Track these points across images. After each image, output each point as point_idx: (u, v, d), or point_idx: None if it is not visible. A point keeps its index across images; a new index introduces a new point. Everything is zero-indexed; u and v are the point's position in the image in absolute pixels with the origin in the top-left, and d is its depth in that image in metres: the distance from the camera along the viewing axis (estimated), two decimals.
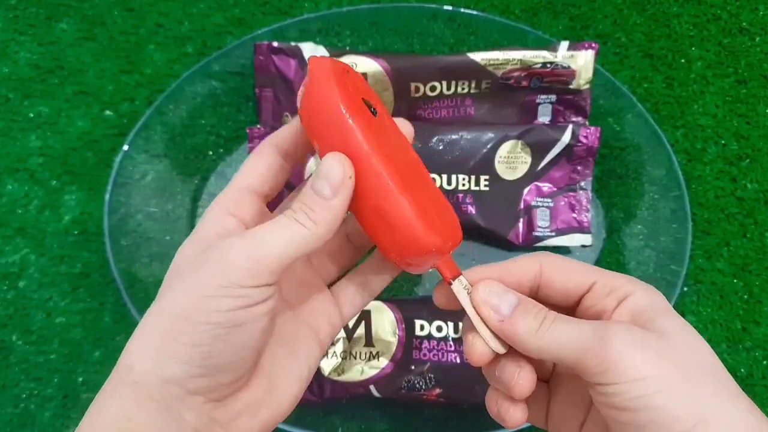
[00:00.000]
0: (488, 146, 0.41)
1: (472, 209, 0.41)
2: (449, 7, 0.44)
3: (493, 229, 0.42)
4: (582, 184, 0.43)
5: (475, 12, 0.45)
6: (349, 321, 0.31)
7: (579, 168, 0.42)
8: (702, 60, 0.48)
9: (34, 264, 0.43)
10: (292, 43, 0.41)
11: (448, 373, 0.36)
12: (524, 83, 0.42)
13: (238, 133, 0.45)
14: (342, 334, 0.37)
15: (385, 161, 0.23)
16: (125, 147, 0.41)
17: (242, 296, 0.23)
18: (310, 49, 0.41)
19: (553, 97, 0.43)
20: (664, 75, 0.48)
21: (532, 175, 0.42)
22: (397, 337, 0.37)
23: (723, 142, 0.46)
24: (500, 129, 0.41)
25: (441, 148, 0.40)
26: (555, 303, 0.28)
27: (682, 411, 0.22)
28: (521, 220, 0.42)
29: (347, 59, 0.41)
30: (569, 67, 0.41)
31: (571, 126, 0.41)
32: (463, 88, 0.42)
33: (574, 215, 0.43)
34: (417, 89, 0.41)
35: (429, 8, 0.44)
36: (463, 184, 0.41)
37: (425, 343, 0.37)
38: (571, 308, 0.28)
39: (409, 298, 0.41)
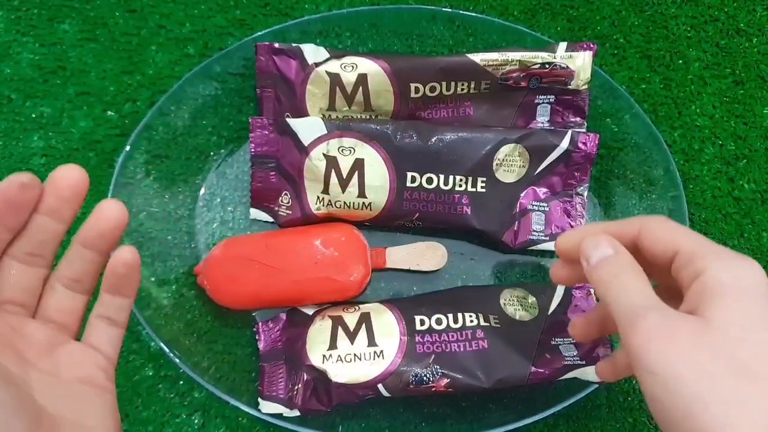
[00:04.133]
0: (487, 148, 0.41)
1: (467, 210, 0.41)
2: (448, 9, 0.45)
3: (488, 230, 0.42)
4: (578, 190, 0.43)
5: (474, 14, 0.45)
6: (116, 357, 0.27)
7: (576, 174, 0.42)
8: (699, 61, 0.48)
9: None
10: (293, 44, 0.42)
11: (453, 362, 0.36)
12: (523, 84, 0.42)
13: (239, 133, 0.45)
14: (344, 337, 0.37)
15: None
16: (127, 147, 0.41)
17: None
18: (311, 50, 0.42)
19: (552, 98, 0.43)
20: (661, 76, 0.48)
21: (529, 179, 0.42)
22: (398, 334, 0.37)
23: (720, 142, 0.47)
24: (499, 132, 0.41)
25: (440, 148, 0.40)
26: (652, 263, 0.28)
27: (684, 408, 0.21)
28: (516, 223, 0.42)
29: (348, 60, 0.41)
30: (567, 67, 0.42)
31: (570, 132, 0.41)
32: (462, 89, 0.42)
33: (569, 220, 0.43)
34: (417, 90, 0.42)
35: (428, 10, 0.45)
36: (460, 185, 0.41)
37: (427, 337, 0.37)
38: (667, 274, 0.28)
39: (405, 298, 0.41)
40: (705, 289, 0.24)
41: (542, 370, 0.36)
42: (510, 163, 0.41)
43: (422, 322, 0.38)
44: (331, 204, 0.41)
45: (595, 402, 0.40)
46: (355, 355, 0.36)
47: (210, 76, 0.44)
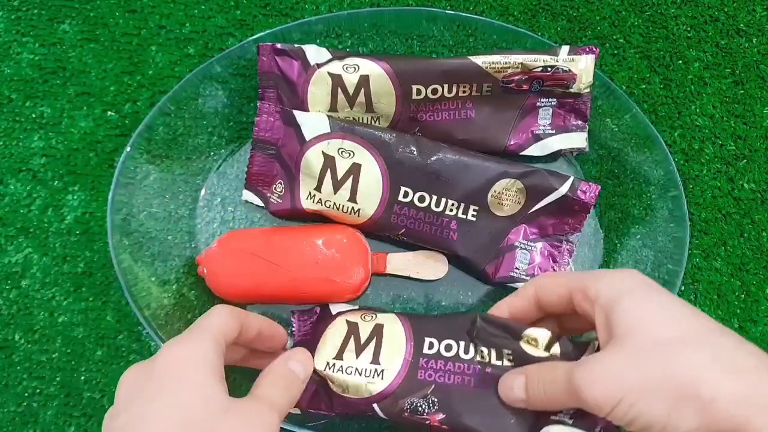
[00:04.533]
0: (485, 178, 0.40)
1: (454, 235, 0.41)
2: (450, 11, 0.45)
3: (471, 258, 0.41)
4: (569, 237, 0.42)
5: (475, 16, 0.45)
6: None
7: (570, 221, 0.41)
8: (699, 61, 0.48)
9: (37, 263, 0.43)
10: (295, 45, 0.42)
11: (452, 397, 0.34)
12: (525, 86, 0.42)
13: (239, 133, 0.45)
14: (352, 350, 0.36)
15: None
16: (128, 148, 0.41)
17: None
18: (313, 51, 0.42)
19: (554, 101, 0.43)
20: (661, 76, 0.48)
21: (522, 217, 0.41)
22: (404, 353, 0.36)
23: (720, 142, 0.47)
24: (501, 164, 0.41)
25: (438, 168, 0.40)
26: (559, 315, 0.33)
27: (657, 408, 0.25)
28: (501, 257, 0.42)
29: (349, 61, 0.41)
30: (570, 70, 0.41)
31: (572, 178, 0.40)
32: (464, 91, 0.42)
33: (554, 265, 0.42)
34: (419, 92, 0.42)
35: (429, 11, 0.45)
36: (451, 210, 0.40)
37: (431, 363, 0.35)
38: (573, 314, 0.32)
39: (423, 315, 0.40)
40: (608, 309, 0.28)
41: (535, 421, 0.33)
42: (506, 197, 0.41)
43: (431, 345, 0.36)
44: (321, 202, 0.41)
45: None
46: (356, 369, 0.35)
47: (210, 76, 0.44)
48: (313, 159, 0.40)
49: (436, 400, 0.34)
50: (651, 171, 0.44)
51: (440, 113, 0.43)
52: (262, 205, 0.43)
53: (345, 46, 0.46)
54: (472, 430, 0.33)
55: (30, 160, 0.45)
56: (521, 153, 0.44)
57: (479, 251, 0.42)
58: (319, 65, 0.41)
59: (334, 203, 0.41)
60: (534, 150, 0.44)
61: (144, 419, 0.25)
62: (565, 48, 0.42)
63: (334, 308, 0.40)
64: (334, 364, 0.36)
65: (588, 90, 0.42)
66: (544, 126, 0.44)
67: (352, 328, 0.37)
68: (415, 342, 0.36)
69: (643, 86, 0.48)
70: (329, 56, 0.41)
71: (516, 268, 0.42)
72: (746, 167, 0.46)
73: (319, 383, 0.36)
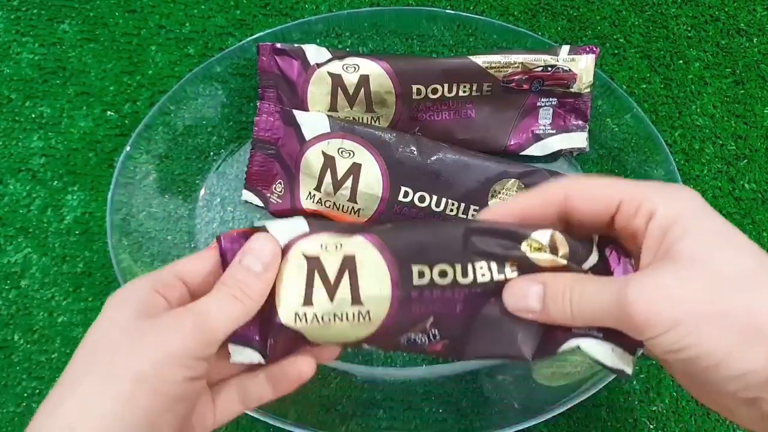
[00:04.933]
0: (485, 177, 0.40)
1: None
2: (450, 11, 0.45)
3: None
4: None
5: (475, 15, 0.45)
6: (219, 427, 0.29)
7: None
8: (700, 61, 0.48)
9: (36, 263, 0.43)
10: (295, 45, 0.42)
11: (456, 324, 0.29)
12: (525, 86, 0.42)
13: (239, 133, 0.45)
14: (322, 289, 0.29)
15: None
16: (127, 147, 0.41)
17: (190, 367, 0.24)
18: (313, 51, 0.42)
19: (554, 101, 0.43)
20: (662, 76, 0.48)
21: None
22: (390, 286, 0.29)
23: (721, 142, 0.47)
24: (501, 163, 0.41)
25: (438, 168, 0.40)
26: (588, 226, 0.28)
27: (717, 341, 0.22)
28: None
29: (349, 61, 0.41)
30: (570, 70, 0.41)
31: None
32: (464, 91, 0.42)
33: None
34: (419, 91, 0.42)
35: (429, 10, 0.45)
36: (451, 210, 0.40)
37: (426, 294, 0.29)
38: (608, 231, 0.28)
39: (395, 229, 0.30)
40: (668, 226, 0.24)
41: (549, 339, 0.29)
42: (506, 197, 0.41)
43: (421, 274, 0.29)
44: (320, 202, 0.41)
45: (596, 402, 0.40)
46: (335, 315, 0.28)
47: (210, 76, 0.44)
48: (312, 159, 0.40)
49: (437, 331, 0.29)
50: (651, 171, 0.43)
51: (440, 113, 0.43)
52: (262, 205, 0.43)
53: (345, 46, 0.46)
54: (480, 355, 0.29)
55: (29, 160, 0.45)
56: (521, 153, 0.44)
57: None
58: (319, 65, 0.41)
59: (334, 203, 0.41)
60: (534, 150, 0.44)
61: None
62: (566, 48, 0.42)
63: (275, 229, 0.29)
64: (305, 314, 0.28)
65: (588, 90, 0.42)
66: (544, 126, 0.44)
67: (314, 264, 0.29)
68: (401, 272, 0.29)
69: (644, 86, 0.48)
70: (329, 56, 0.41)
71: None
72: (747, 167, 0.46)
73: (290, 339, 0.29)
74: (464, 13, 0.44)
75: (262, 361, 0.29)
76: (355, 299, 0.28)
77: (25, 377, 0.41)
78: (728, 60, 0.48)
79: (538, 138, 0.44)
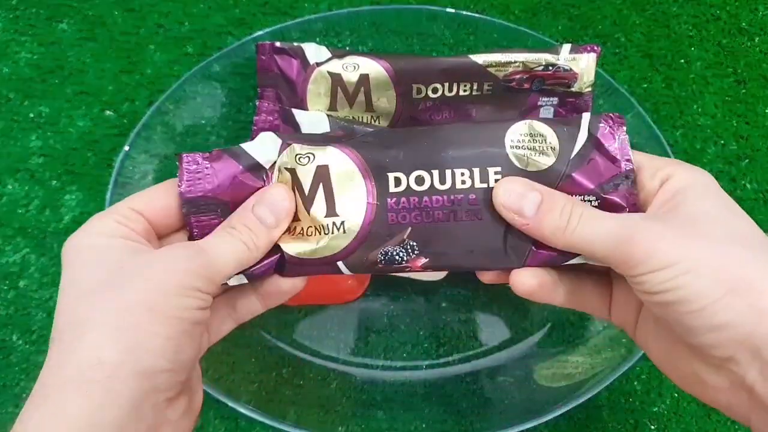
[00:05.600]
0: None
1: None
2: (451, 10, 0.45)
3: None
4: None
5: (475, 14, 0.45)
6: (214, 343, 0.30)
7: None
8: (701, 60, 0.48)
9: (35, 264, 0.43)
10: (295, 44, 0.42)
11: (435, 237, 0.28)
12: (526, 85, 0.42)
13: (238, 133, 0.45)
14: (298, 204, 0.28)
15: None
16: (126, 147, 0.41)
17: (201, 298, 0.24)
18: (313, 50, 0.41)
19: (555, 100, 0.43)
20: (663, 75, 0.48)
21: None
22: (365, 196, 0.28)
23: (722, 142, 0.47)
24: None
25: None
26: None
27: (707, 286, 0.23)
28: None
29: (349, 60, 0.41)
30: (571, 69, 0.41)
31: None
32: (465, 90, 0.42)
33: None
34: (419, 91, 0.41)
35: (429, 9, 0.45)
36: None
37: (403, 202, 0.28)
38: None
39: (371, 136, 0.30)
40: (678, 188, 0.26)
41: (542, 254, 0.28)
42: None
43: (398, 182, 0.28)
44: None
45: (596, 403, 0.40)
46: (310, 228, 0.28)
47: (209, 75, 0.43)
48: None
49: (415, 244, 0.28)
50: None
51: (441, 112, 0.43)
52: None
53: (345, 45, 0.46)
54: (461, 266, 0.29)
55: (28, 159, 0.45)
56: None
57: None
58: (318, 64, 0.41)
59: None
60: None
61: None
62: (567, 47, 0.41)
63: (250, 148, 0.29)
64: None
65: (589, 89, 0.42)
66: None
67: (292, 176, 0.29)
68: (376, 180, 0.28)
69: (645, 85, 0.48)
70: (329, 55, 0.41)
71: None
72: (748, 167, 0.46)
73: (269, 252, 0.29)
74: (465, 12, 0.44)
75: (245, 280, 0.28)
76: (330, 210, 0.28)
77: (24, 378, 0.41)
78: (730, 59, 0.48)
79: None
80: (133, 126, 0.42)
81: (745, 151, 0.46)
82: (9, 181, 0.44)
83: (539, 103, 0.43)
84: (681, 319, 0.23)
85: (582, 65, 0.41)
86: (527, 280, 0.28)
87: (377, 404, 0.38)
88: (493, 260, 0.28)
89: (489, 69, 0.41)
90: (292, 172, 0.29)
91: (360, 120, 0.43)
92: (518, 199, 0.26)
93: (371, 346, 0.41)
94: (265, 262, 0.28)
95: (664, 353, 0.27)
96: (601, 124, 0.30)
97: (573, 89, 0.42)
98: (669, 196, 0.26)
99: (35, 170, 0.44)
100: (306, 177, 0.28)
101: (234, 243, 0.26)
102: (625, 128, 0.30)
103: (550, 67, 0.41)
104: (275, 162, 0.29)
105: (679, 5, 0.49)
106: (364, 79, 0.41)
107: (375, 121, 0.43)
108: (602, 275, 0.30)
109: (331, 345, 0.41)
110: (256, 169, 0.29)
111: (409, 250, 0.28)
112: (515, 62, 0.41)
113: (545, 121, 0.29)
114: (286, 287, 0.29)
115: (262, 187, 0.28)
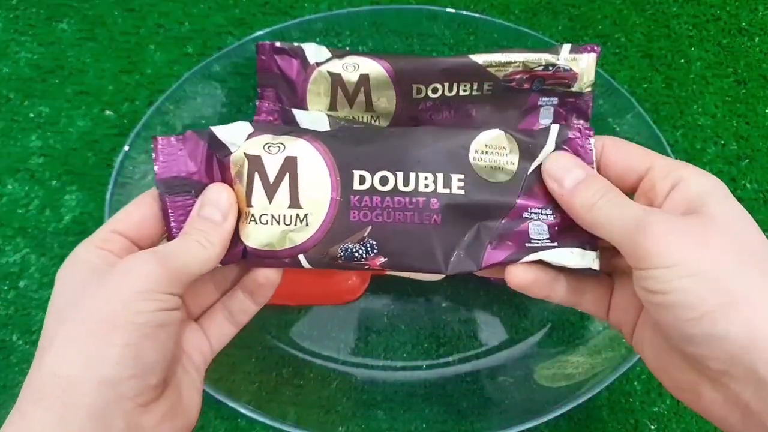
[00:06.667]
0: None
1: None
2: (451, 10, 0.45)
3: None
4: None
5: (475, 14, 0.45)
6: (218, 350, 0.31)
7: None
8: (701, 60, 0.48)
9: (35, 264, 0.43)
10: (295, 44, 0.42)
11: (394, 238, 0.29)
12: (526, 85, 0.42)
13: None
14: (262, 192, 0.29)
15: None
16: (126, 147, 0.41)
17: (161, 300, 0.24)
18: (313, 50, 0.41)
19: (555, 100, 0.43)
20: (663, 75, 0.48)
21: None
22: (329, 190, 0.29)
23: (722, 142, 0.47)
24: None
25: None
26: (614, 180, 0.29)
27: (707, 293, 0.23)
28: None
29: (349, 60, 0.41)
30: (571, 69, 0.41)
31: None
32: (465, 90, 0.42)
33: None
34: (419, 91, 0.41)
35: (429, 9, 0.45)
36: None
37: (366, 200, 0.29)
38: (630, 190, 0.29)
39: (338, 132, 0.31)
40: (692, 193, 0.26)
41: (498, 255, 0.29)
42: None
43: (362, 180, 0.29)
44: None
45: (596, 403, 0.40)
46: (273, 217, 0.28)
47: (209, 75, 0.43)
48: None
49: (374, 242, 0.29)
50: None
51: (441, 112, 0.43)
52: None
53: (345, 45, 0.46)
54: (423, 271, 0.29)
55: (28, 159, 0.45)
56: None
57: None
58: (318, 64, 0.41)
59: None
60: None
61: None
62: (567, 47, 0.41)
63: (221, 132, 0.30)
64: (247, 214, 0.29)
65: (589, 89, 0.42)
66: (545, 125, 0.44)
67: (255, 164, 0.29)
68: (341, 177, 0.29)
69: (645, 85, 0.48)
70: (329, 55, 0.41)
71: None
72: (748, 167, 0.46)
73: (232, 240, 0.29)
74: (465, 12, 0.44)
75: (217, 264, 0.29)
76: (294, 201, 0.28)
77: (24, 378, 0.41)
78: (730, 59, 0.48)
79: None
80: (133, 126, 0.42)
81: (745, 151, 0.46)
82: (9, 181, 0.44)
83: (539, 103, 0.43)
84: (679, 326, 0.23)
85: (582, 65, 0.41)
86: (522, 275, 0.28)
87: (377, 404, 0.38)
88: (452, 265, 0.29)
89: (489, 69, 0.41)
90: (256, 159, 0.29)
91: (360, 120, 0.43)
92: (564, 172, 0.28)
93: (371, 346, 0.41)
94: (231, 252, 0.29)
95: (660, 361, 0.27)
96: (570, 136, 0.31)
97: (573, 89, 0.42)
98: (687, 199, 0.26)
99: (35, 170, 0.44)
100: (272, 166, 0.29)
101: (188, 243, 0.26)
102: (592, 140, 0.30)
103: (550, 67, 0.41)
104: (240, 146, 0.29)
105: (679, 5, 0.49)
106: (364, 79, 0.41)
107: (375, 121, 0.43)
108: (604, 276, 0.30)
109: (331, 345, 0.41)
110: (222, 150, 0.29)
111: (369, 249, 0.29)
112: (515, 62, 0.41)
113: (517, 131, 0.30)
114: (261, 279, 0.30)
115: (228, 169, 0.29)
